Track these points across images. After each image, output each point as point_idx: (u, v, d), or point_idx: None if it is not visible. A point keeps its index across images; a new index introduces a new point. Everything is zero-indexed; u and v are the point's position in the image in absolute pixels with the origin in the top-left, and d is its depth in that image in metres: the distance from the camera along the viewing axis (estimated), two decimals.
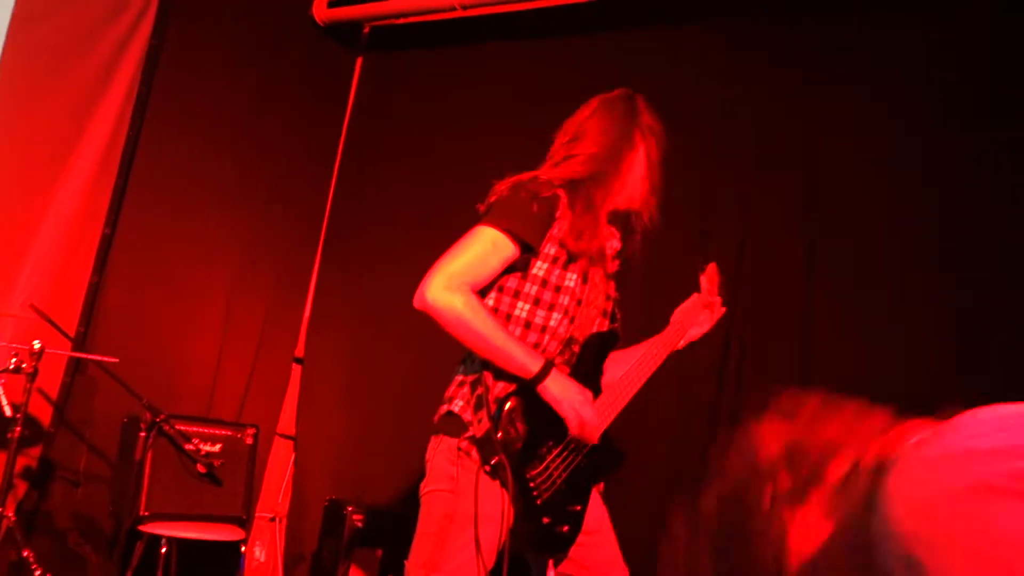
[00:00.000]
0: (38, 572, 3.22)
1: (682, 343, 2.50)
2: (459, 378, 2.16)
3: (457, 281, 2.00)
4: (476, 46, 4.76)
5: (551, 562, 2.25)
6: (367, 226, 4.95)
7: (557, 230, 2.13)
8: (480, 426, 2.01)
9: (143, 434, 3.48)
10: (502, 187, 2.15)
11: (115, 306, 4.16)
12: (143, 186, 4.25)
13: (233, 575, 3.98)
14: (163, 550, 3.50)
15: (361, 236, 4.97)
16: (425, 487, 2.10)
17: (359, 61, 5.30)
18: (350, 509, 3.90)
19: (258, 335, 4.79)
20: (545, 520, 2.07)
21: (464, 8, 4.52)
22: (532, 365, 2.02)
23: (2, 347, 3.34)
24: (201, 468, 3.71)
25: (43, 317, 3.48)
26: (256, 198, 4.75)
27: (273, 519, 4.76)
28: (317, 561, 4.12)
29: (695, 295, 2.56)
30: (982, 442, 0.82)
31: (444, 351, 2.37)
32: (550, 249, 2.13)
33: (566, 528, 2.13)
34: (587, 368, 2.22)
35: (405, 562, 2.06)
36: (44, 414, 3.95)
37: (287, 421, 4.93)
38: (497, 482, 1.99)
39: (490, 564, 2.00)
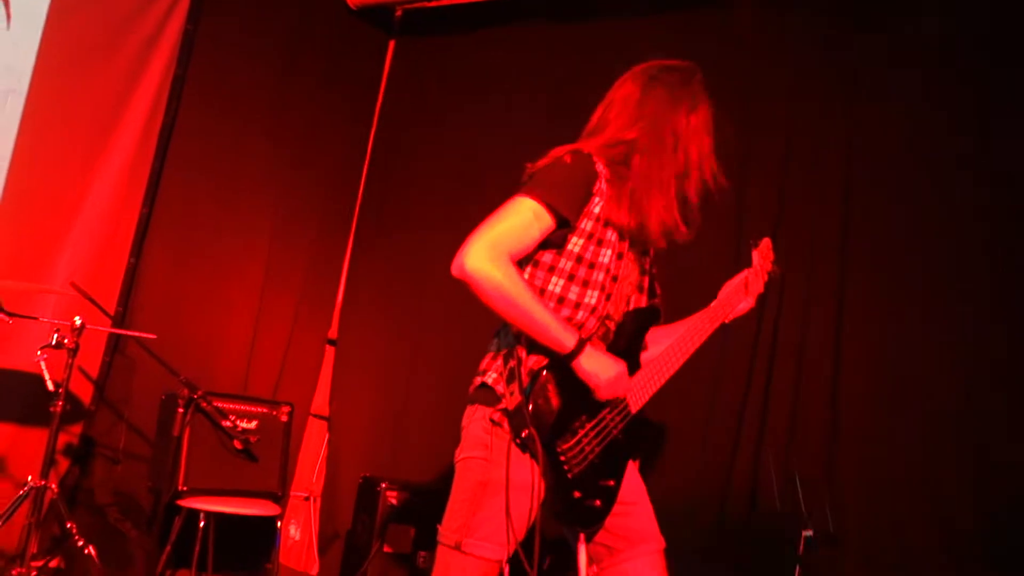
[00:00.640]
0: (80, 543, 3.30)
1: (730, 317, 2.47)
2: (493, 351, 2.16)
3: (498, 250, 1.97)
4: (508, 28, 4.75)
5: (582, 536, 2.25)
6: (400, 208, 4.98)
7: (595, 205, 2.10)
8: (512, 399, 2.02)
9: (181, 410, 3.53)
10: (544, 160, 2.11)
11: (153, 286, 4.24)
12: (179, 168, 4.32)
13: (269, 550, 4.04)
14: (201, 524, 3.56)
15: (394, 218, 4.99)
16: (460, 453, 2.11)
17: (391, 44, 5.32)
18: (384, 485, 3.94)
19: (292, 315, 4.85)
20: (576, 494, 2.07)
21: None
22: (568, 340, 2.01)
23: (45, 323, 3.42)
24: (238, 444, 3.77)
25: (83, 295, 3.55)
26: (290, 180, 4.80)
27: (308, 498, 4.82)
28: (351, 539, 4.17)
29: (746, 270, 2.51)
30: None
31: (478, 328, 2.37)
32: (586, 224, 2.10)
33: (598, 503, 2.13)
34: (623, 344, 2.20)
35: (438, 526, 2.08)
36: (85, 393, 4.04)
37: (321, 402, 4.99)
38: (528, 454, 2.00)
39: (521, 535, 2.00)
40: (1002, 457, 3.05)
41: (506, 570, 2.07)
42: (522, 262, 2.09)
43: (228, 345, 4.57)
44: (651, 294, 2.30)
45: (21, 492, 3.23)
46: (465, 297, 2.01)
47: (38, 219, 3.95)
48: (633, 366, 2.21)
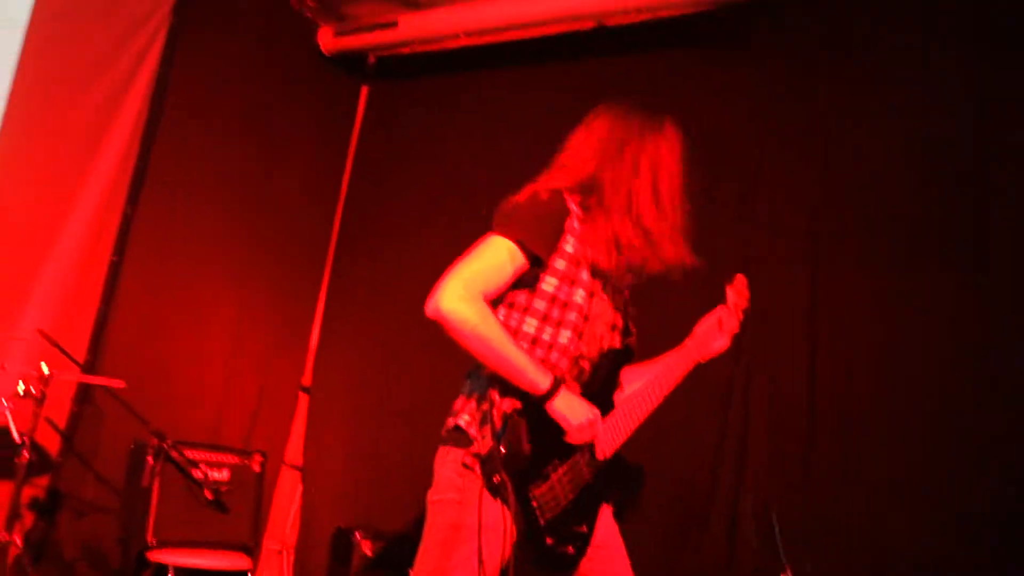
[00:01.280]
0: None
1: (706, 357, 2.44)
2: (465, 392, 2.14)
3: (472, 291, 1.97)
4: (480, 73, 4.81)
5: None
6: (373, 253, 4.97)
7: (567, 243, 2.10)
8: (484, 442, 2.00)
9: (151, 460, 3.48)
10: (515, 197, 2.11)
11: (123, 333, 4.18)
12: (151, 214, 4.29)
13: None
14: None
15: (367, 264, 4.98)
16: (432, 495, 2.08)
17: (364, 90, 5.36)
18: (359, 535, 3.88)
19: (265, 362, 4.81)
20: (549, 541, 2.03)
21: (467, 35, 4.57)
22: (542, 382, 1.99)
23: (11, 372, 3.35)
24: (209, 495, 3.70)
25: (51, 342, 3.49)
26: (263, 226, 4.79)
27: (281, 551, 4.73)
28: None
29: (720, 307, 2.48)
30: None
31: (451, 374, 2.35)
32: (559, 263, 2.10)
33: (571, 549, 2.10)
34: (597, 386, 2.19)
35: (409, 571, 2.04)
36: (52, 443, 3.94)
37: (295, 451, 4.92)
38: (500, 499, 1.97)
39: None
40: (984, 495, 3.05)
41: None
42: (496, 302, 2.08)
43: (200, 393, 4.50)
44: (625, 332, 2.28)
45: None
46: (443, 342, 1.99)
47: (5, 264, 3.88)
48: (607, 407, 2.20)
